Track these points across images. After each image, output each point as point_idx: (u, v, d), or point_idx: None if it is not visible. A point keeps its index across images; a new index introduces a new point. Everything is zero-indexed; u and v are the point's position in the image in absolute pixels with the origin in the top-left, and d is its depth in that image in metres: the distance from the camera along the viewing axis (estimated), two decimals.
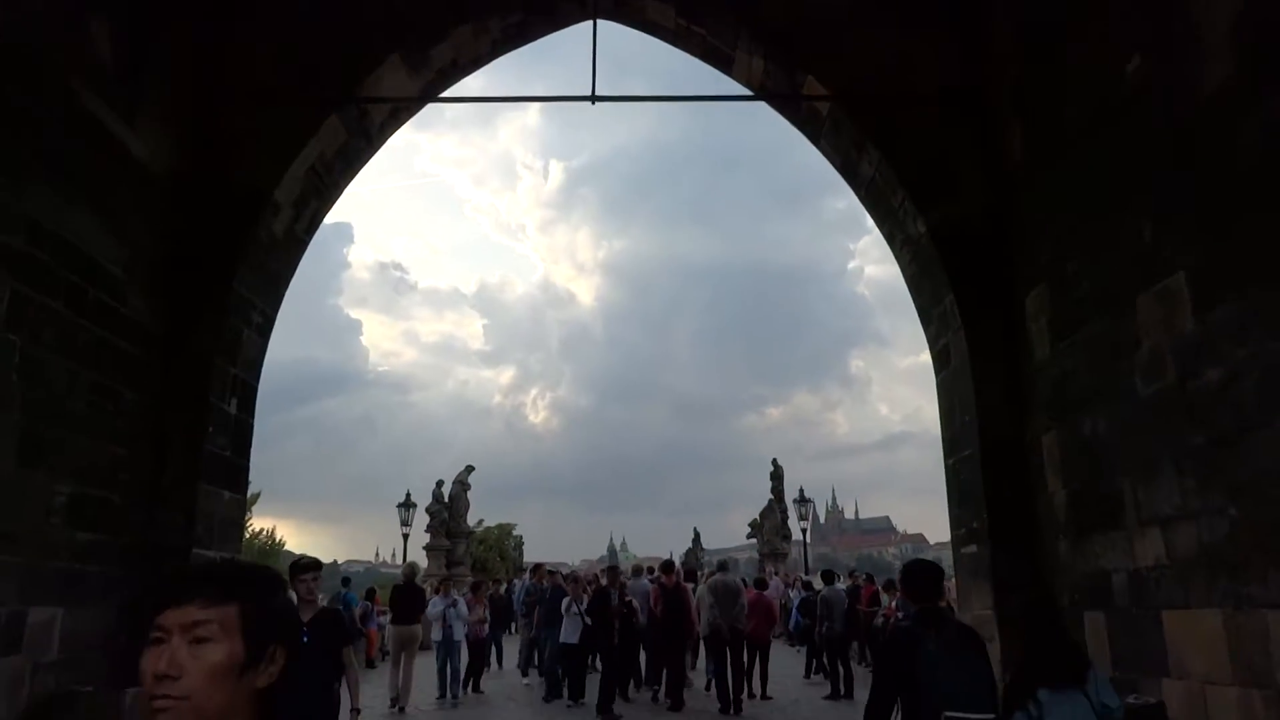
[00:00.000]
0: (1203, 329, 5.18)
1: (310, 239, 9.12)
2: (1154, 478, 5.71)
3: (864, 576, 20.75)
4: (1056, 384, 7.12)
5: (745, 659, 11.32)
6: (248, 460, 8.48)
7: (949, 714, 3.38)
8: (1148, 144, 5.74)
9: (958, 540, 8.54)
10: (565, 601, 10.67)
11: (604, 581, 11.52)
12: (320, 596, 6.90)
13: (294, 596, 4.88)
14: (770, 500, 31.01)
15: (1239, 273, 4.84)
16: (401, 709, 11.16)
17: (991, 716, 3.52)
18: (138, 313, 7.27)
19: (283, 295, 9.02)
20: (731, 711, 10.27)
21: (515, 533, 48.67)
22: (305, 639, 3.95)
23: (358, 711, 5.31)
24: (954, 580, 8.46)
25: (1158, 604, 5.72)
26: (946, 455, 8.73)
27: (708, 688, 11.58)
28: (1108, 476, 6.31)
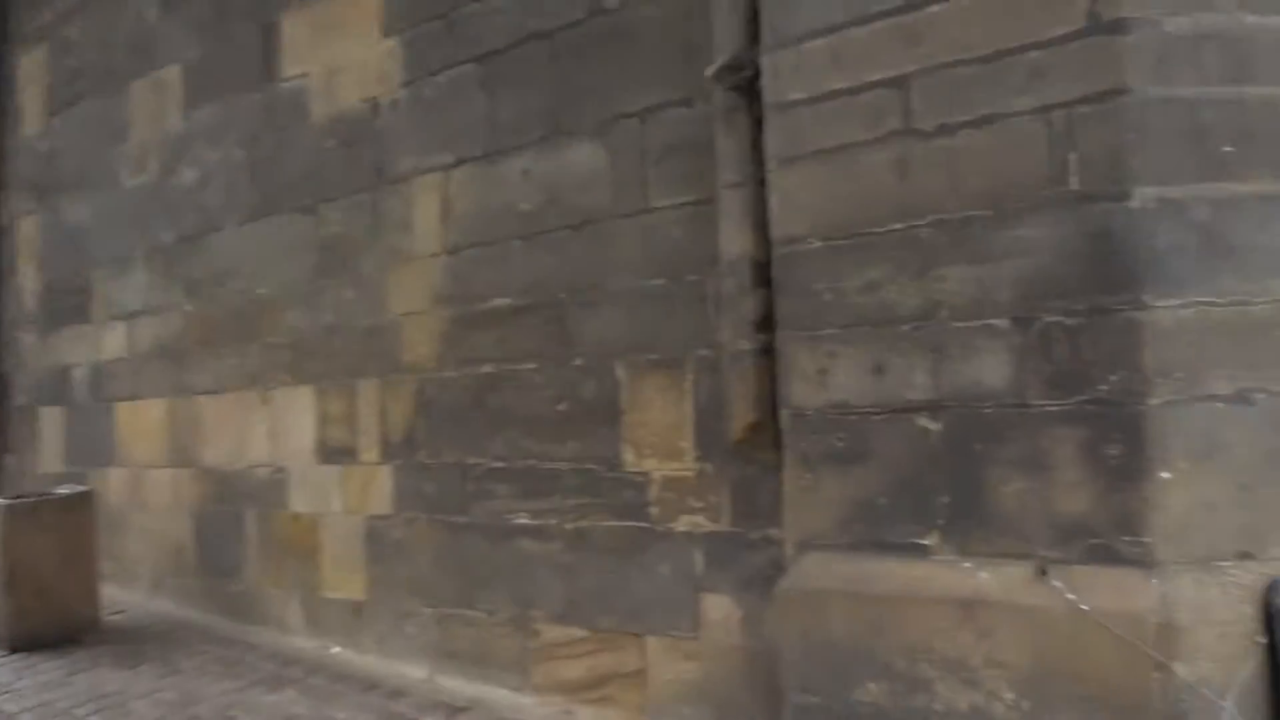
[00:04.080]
0: (188, 127, 5.22)
1: None
2: (127, 272, 5.65)
3: None
4: (46, 162, 6.44)
5: None
6: None
7: None
8: None
9: None
10: None
11: None
12: None
13: None
14: None
15: (226, 76, 4.97)
16: None
17: None
18: None
19: None
20: None
21: None
22: None
23: None
24: None
25: (115, 397, 5.76)
26: None
27: None
28: (84, 269, 6.02)
